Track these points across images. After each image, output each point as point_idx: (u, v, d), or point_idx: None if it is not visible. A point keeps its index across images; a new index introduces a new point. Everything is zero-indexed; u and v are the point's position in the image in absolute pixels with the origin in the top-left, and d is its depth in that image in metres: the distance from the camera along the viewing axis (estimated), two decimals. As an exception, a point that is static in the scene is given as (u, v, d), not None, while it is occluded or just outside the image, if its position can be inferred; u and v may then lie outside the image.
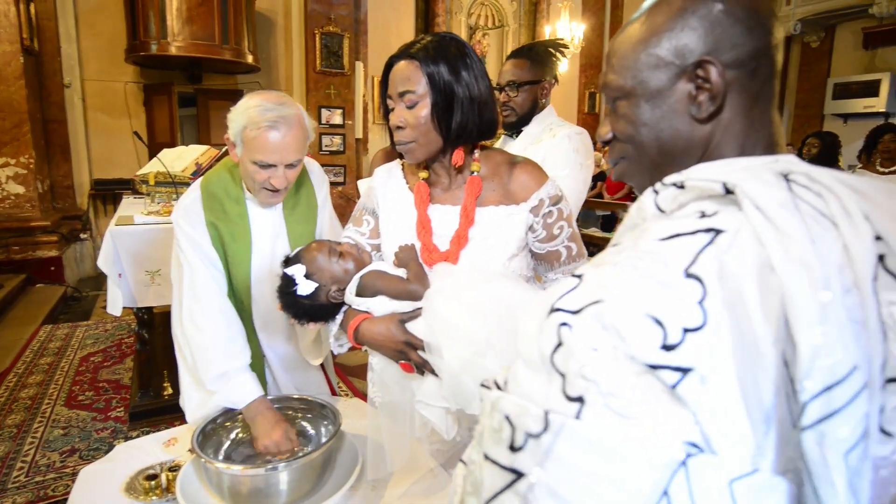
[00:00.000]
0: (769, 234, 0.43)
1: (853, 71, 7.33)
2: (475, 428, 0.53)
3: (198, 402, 1.32)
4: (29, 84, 4.95)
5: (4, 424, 2.65)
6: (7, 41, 4.72)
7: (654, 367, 0.42)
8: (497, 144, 1.91)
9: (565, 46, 1.89)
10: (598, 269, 0.49)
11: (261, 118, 1.23)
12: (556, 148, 1.73)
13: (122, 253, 2.39)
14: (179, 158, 3.09)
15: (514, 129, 1.87)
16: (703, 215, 0.48)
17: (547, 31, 8.28)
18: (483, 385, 0.53)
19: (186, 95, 6.25)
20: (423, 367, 1.02)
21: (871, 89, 7.01)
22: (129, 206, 3.23)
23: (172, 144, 5.10)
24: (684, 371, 0.41)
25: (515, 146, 1.82)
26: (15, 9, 4.72)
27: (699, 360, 0.41)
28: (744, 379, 0.41)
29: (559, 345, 0.45)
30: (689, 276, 0.43)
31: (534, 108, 1.82)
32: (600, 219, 6.36)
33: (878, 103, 6.93)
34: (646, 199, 0.56)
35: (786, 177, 0.48)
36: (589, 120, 9.71)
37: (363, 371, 2.09)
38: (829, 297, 0.40)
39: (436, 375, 0.99)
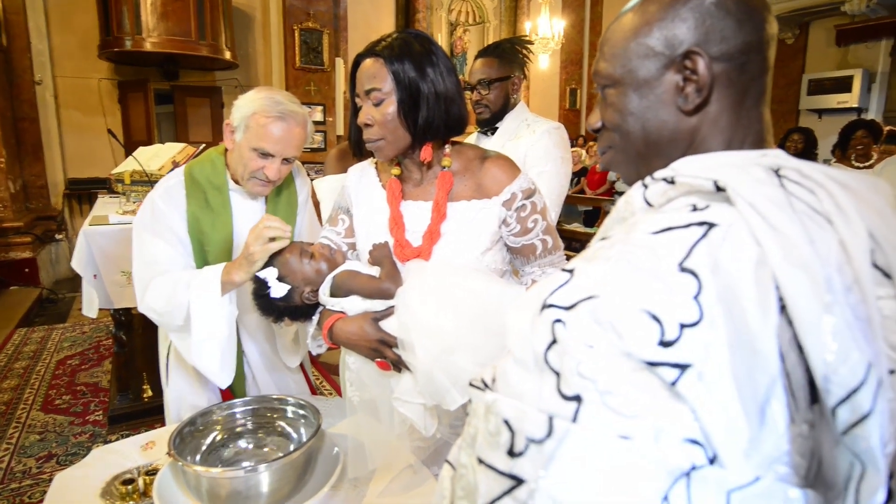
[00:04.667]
0: (765, 233, 0.43)
1: (827, 67, 7.48)
2: (465, 429, 0.52)
3: (197, 340, 1.28)
4: (-2, 81, 4.82)
5: (-23, 431, 2.59)
6: (-26, 37, 4.59)
7: (652, 363, 0.41)
8: (472, 142, 1.92)
9: (530, 42, 1.93)
10: (590, 263, 0.48)
11: (272, 108, 1.27)
12: (537, 144, 1.76)
13: (96, 253, 2.35)
14: (156, 157, 3.03)
15: (489, 127, 1.90)
16: (695, 209, 0.48)
17: (527, 27, 8.29)
18: (472, 385, 0.52)
19: (163, 92, 6.14)
20: (398, 365, 1.03)
21: (844, 85, 7.16)
22: (104, 205, 3.16)
23: (149, 142, 4.99)
24: (683, 367, 0.41)
25: (492, 143, 1.84)
26: (-18, 3, 4.59)
27: (697, 356, 0.41)
28: (738, 373, 0.41)
29: (553, 342, 0.45)
30: (683, 270, 0.43)
31: (506, 105, 1.86)
32: (583, 214, 6.40)
33: (851, 99, 7.09)
34: (634, 192, 0.56)
35: (776, 172, 0.48)
36: (570, 116, 9.76)
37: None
38: (831, 299, 0.40)
39: (410, 372, 1.00)
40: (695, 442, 0.40)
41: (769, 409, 0.41)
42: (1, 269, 4.79)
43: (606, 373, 0.42)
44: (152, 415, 2.64)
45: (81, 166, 5.82)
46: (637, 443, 0.40)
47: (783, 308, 0.42)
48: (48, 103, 5.64)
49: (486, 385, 0.53)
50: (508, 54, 1.83)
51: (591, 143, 7.79)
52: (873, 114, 7.04)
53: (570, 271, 0.49)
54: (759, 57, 0.57)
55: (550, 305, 0.47)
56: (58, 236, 5.63)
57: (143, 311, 1.35)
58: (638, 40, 0.59)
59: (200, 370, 1.32)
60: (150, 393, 2.74)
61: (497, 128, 1.88)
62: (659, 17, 0.58)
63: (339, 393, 2.75)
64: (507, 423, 0.45)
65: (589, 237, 3.72)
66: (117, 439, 2.51)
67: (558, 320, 0.45)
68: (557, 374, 0.44)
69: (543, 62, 8.24)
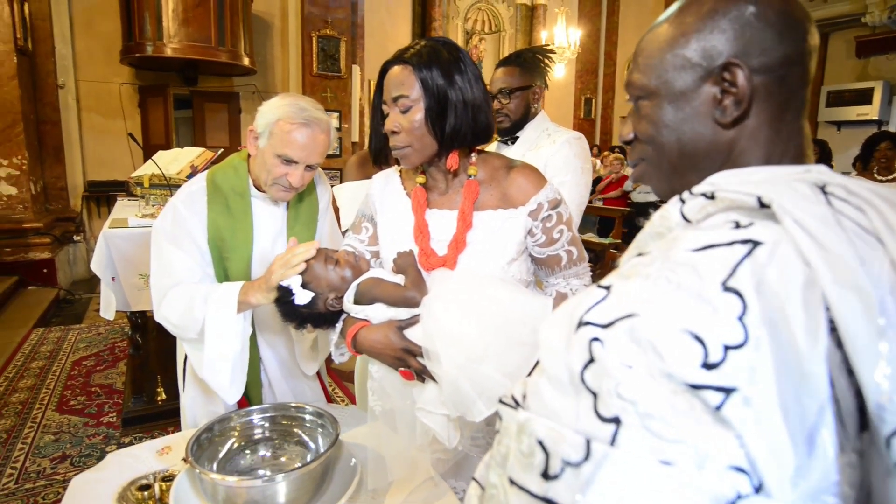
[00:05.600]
0: (814, 253, 0.41)
1: (846, 79, 7.39)
2: (494, 447, 0.50)
3: (210, 357, 1.28)
4: (22, 84, 4.91)
5: (-6, 430, 2.61)
6: (0, 41, 4.68)
7: (695, 386, 0.40)
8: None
9: (552, 52, 1.92)
10: (628, 280, 0.47)
11: (297, 115, 1.27)
12: (557, 154, 1.75)
13: (115, 256, 2.37)
14: (175, 161, 3.06)
15: (509, 136, 1.89)
16: (738, 226, 0.46)
17: (543, 37, 8.31)
18: (502, 402, 0.51)
19: (182, 97, 6.23)
20: (422, 374, 1.01)
21: (864, 97, 7.07)
22: (123, 208, 3.20)
23: (167, 146, 5.08)
24: (727, 391, 0.39)
25: (513, 152, 1.83)
26: (9, 8, 4.68)
27: (742, 380, 0.39)
28: (786, 398, 0.39)
29: (590, 361, 0.43)
30: (726, 289, 0.42)
31: (527, 114, 1.86)
32: (596, 224, 6.37)
33: (871, 111, 6.99)
34: (671, 207, 0.54)
35: (822, 189, 0.46)
36: (585, 125, 9.74)
37: (360, 377, 2.07)
38: (884, 323, 0.39)
39: (435, 382, 0.98)
40: (740, 469, 0.38)
41: (818, 436, 0.40)
42: (20, 269, 4.86)
43: (647, 395, 0.40)
44: (166, 418, 2.64)
45: (101, 169, 5.91)
46: (679, 469, 0.39)
47: (832, 330, 0.40)
48: (70, 107, 5.75)
49: (516, 402, 0.51)
50: (530, 63, 1.82)
51: (605, 153, 7.75)
52: (894, 126, 6.94)
53: (607, 288, 0.48)
54: (799, 69, 0.56)
55: (587, 323, 0.45)
56: (76, 238, 5.71)
57: (159, 320, 1.35)
58: (674, 51, 0.58)
59: (210, 385, 1.32)
60: (164, 396, 2.75)
61: (517, 137, 1.87)
62: (696, 28, 0.57)
63: (353, 401, 2.75)
64: (541, 443, 0.44)
65: (604, 247, 3.69)
66: (130, 442, 2.53)
67: (595, 339, 0.44)
68: (595, 394, 0.43)
69: (559, 71, 8.26)
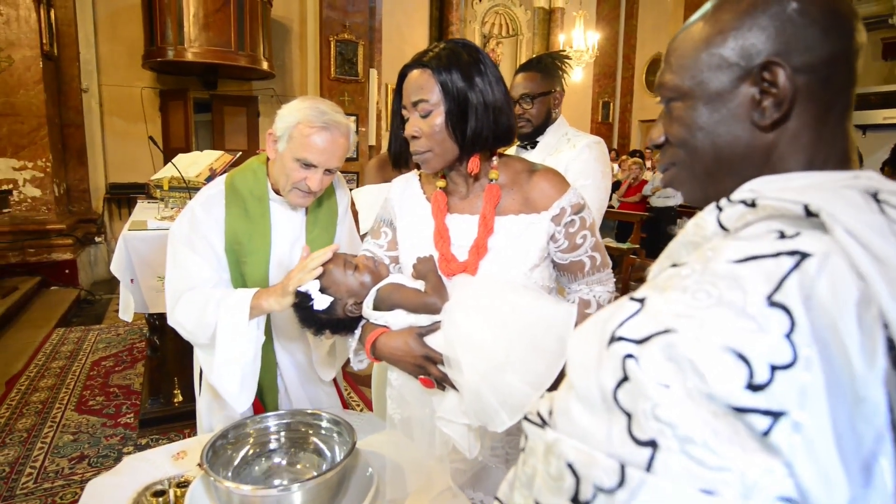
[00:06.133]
0: (869, 266, 0.38)
1: (872, 82, 7.23)
2: (519, 467, 0.48)
3: (219, 362, 1.26)
4: (48, 88, 5.01)
5: (15, 429, 2.64)
6: (27, 46, 4.79)
7: (740, 409, 0.37)
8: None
9: (568, 58, 1.93)
10: (664, 293, 0.44)
11: (317, 118, 1.25)
12: (578, 158, 1.75)
13: (134, 258, 2.38)
14: (194, 164, 3.09)
15: (529, 141, 1.89)
16: (783, 236, 0.43)
17: (561, 40, 8.27)
18: (528, 419, 0.48)
19: (202, 101, 6.31)
20: (443, 382, 0.99)
21: (890, 100, 6.90)
22: (143, 210, 3.23)
23: (187, 150, 5.13)
24: (776, 415, 0.36)
25: (532, 157, 1.82)
26: (36, 14, 4.79)
27: (791, 402, 0.36)
28: (839, 424, 0.36)
29: (624, 379, 0.41)
30: (772, 304, 0.39)
31: (548, 119, 1.86)
32: (615, 229, 6.29)
33: (899, 114, 6.83)
34: (706, 215, 0.51)
35: (874, 197, 0.43)
36: (602, 129, 9.66)
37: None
38: None
39: (456, 390, 0.96)
40: (789, 500, 0.36)
41: (876, 465, 0.37)
42: (43, 270, 4.95)
43: (686, 417, 0.38)
44: (183, 420, 2.65)
45: (122, 171, 6.01)
46: (723, 499, 0.36)
47: (891, 350, 0.37)
48: (93, 110, 5.86)
49: (543, 420, 0.49)
50: (550, 69, 1.82)
51: (623, 157, 7.67)
52: (923, 131, 6.76)
53: (641, 301, 0.45)
54: (845, 68, 0.53)
55: (620, 338, 0.43)
56: (97, 239, 5.81)
57: (172, 324, 1.35)
58: (710, 50, 0.55)
59: (219, 391, 1.31)
60: (180, 398, 2.76)
61: (537, 142, 1.87)
62: (734, 26, 0.54)
63: (369, 405, 2.74)
64: (570, 466, 0.41)
65: (622, 252, 3.63)
66: (147, 443, 2.54)
67: (629, 355, 0.41)
68: (629, 415, 0.40)
69: (577, 75, 8.21)
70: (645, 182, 6.61)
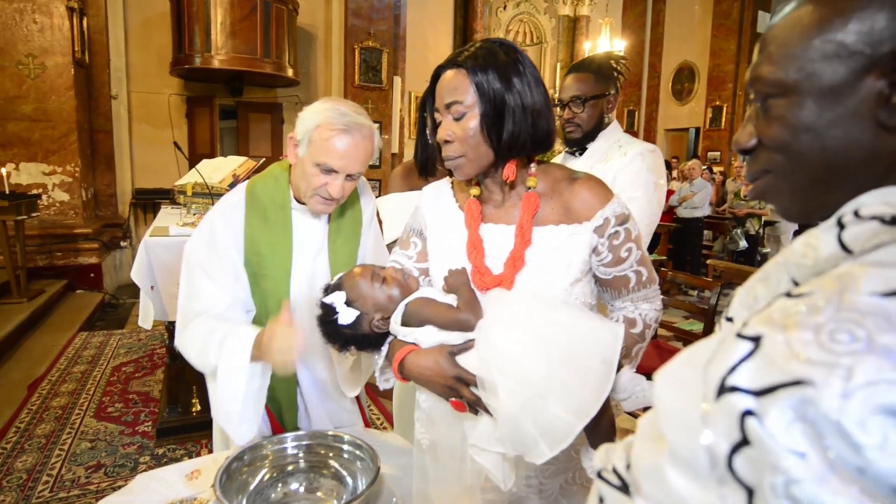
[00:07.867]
0: None
1: None
2: None
3: (219, 398, 1.20)
4: (78, 95, 5.10)
5: (34, 434, 2.63)
6: (60, 53, 4.88)
7: None
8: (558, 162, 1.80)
9: (625, 58, 1.79)
10: (786, 331, 0.35)
11: (337, 121, 1.18)
12: (628, 167, 1.60)
13: (155, 265, 2.35)
14: (217, 170, 3.07)
15: (578, 147, 1.75)
16: None
17: (586, 48, 8.17)
18: (602, 477, 0.40)
19: (227, 108, 6.38)
20: (476, 406, 0.90)
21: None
22: (166, 216, 3.23)
23: (212, 156, 5.16)
24: None
25: (580, 164, 1.69)
26: (69, 22, 4.88)
27: None
28: None
29: (743, 443, 0.33)
30: None
31: (599, 124, 1.71)
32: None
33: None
34: (821, 233, 0.43)
35: None
36: (628, 138, 9.50)
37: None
38: None
39: (490, 416, 0.87)
40: None
41: None
42: (69, 273, 5.01)
43: (832, 497, 0.29)
44: (200, 430, 2.60)
45: (148, 177, 6.09)
46: None
47: None
48: (122, 117, 5.96)
49: (621, 479, 0.40)
50: (604, 70, 1.68)
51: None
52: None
53: (755, 340, 0.36)
54: None
55: (734, 388, 0.34)
56: (122, 243, 5.87)
57: (178, 346, 1.29)
58: (824, 36, 0.46)
59: (219, 423, 1.24)
60: (198, 407, 2.72)
61: (585, 148, 1.73)
62: (856, 7, 0.44)
63: (390, 420, 2.65)
64: None
65: (656, 264, 3.48)
66: (164, 453, 2.50)
67: (749, 412, 0.33)
68: (750, 490, 0.32)
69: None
70: (672, 192, 6.43)
